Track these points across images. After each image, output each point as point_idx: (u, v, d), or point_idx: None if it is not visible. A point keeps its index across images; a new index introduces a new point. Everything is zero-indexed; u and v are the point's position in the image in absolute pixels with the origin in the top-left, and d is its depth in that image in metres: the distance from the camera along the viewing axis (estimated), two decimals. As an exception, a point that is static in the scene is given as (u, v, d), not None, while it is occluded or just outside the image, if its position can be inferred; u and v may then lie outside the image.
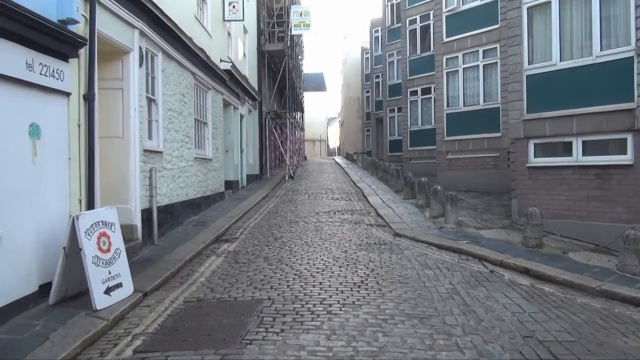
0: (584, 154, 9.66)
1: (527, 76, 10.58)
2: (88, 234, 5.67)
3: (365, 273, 7.21)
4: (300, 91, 40.87)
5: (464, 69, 16.82)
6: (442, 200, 11.50)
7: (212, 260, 8.17)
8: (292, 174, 23.93)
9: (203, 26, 13.31)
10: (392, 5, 30.49)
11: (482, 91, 16.25)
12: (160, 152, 9.75)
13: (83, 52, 6.59)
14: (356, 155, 36.25)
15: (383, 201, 14.85)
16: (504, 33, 15.44)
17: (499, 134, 15.74)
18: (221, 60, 14.99)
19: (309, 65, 69.15)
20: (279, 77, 24.84)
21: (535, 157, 10.50)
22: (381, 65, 34.81)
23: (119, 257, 6.09)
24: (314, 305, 5.83)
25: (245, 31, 20.17)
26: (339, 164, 34.86)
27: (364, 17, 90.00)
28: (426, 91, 23.48)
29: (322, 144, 72.08)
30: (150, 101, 9.53)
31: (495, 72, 15.91)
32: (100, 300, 5.63)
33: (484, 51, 16.29)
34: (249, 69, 20.47)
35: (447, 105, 17.45)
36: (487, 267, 7.89)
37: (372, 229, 10.89)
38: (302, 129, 46.19)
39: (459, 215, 11.03)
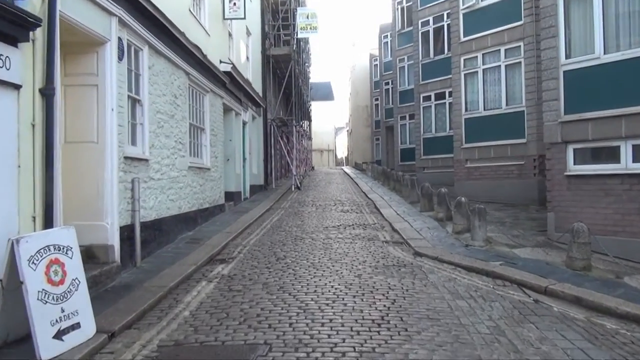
0: (635, 160, 8.32)
1: (564, 72, 9.29)
2: (33, 262, 4.43)
3: (385, 305, 5.89)
4: (308, 99, 39.78)
5: (483, 70, 15.55)
6: (466, 214, 10.18)
7: (202, 287, 6.88)
8: (299, 185, 22.68)
9: (199, 22, 12.14)
10: (402, 9, 29.33)
11: (505, 94, 14.94)
12: (146, 160, 8.52)
13: (40, 36, 5.38)
14: (365, 165, 34.97)
15: (398, 214, 13.54)
16: (528, 30, 14.23)
17: (523, 140, 14.42)
18: (221, 62, 13.81)
19: (316, 75, 68.15)
20: (285, 83, 23.66)
21: (575, 164, 9.17)
22: (391, 72, 33.64)
23: (76, 290, 4.83)
24: (324, 354, 4.52)
25: (248, 33, 19.03)
26: (347, 174, 33.59)
27: (372, 24, 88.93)
28: (440, 96, 22.23)
29: (329, 153, 70.97)
30: (135, 102, 8.32)
31: (519, 73, 14.61)
32: (48, 348, 4.37)
33: (505, 50, 15.00)
34: (252, 74, 19.30)
35: (466, 110, 16.16)
36: (529, 296, 6.57)
37: (388, 246, 9.58)
38: (310, 138, 45.06)
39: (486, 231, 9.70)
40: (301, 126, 32.35)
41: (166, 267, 7.74)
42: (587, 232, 7.57)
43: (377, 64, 41.41)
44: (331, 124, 69.20)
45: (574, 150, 9.19)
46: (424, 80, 23.09)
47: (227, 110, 15.24)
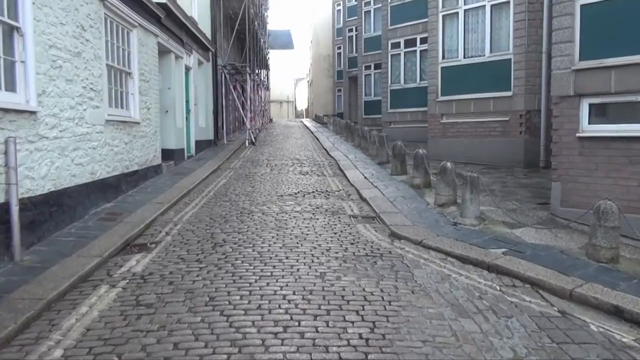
0: (671, 119, 6.57)
1: (582, 6, 7.33)
2: None
3: (361, 336, 3.96)
4: (266, 46, 36.92)
5: (465, 10, 13.46)
6: (453, 183, 8.33)
7: (98, 298, 4.80)
8: (254, 140, 20.45)
9: None
10: (369, -55, 26.71)
11: (489, 39, 12.96)
12: (32, 113, 6.20)
13: None
14: (327, 118, 32.82)
15: (365, 177, 11.63)
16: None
17: (509, 93, 12.58)
18: (153, -10, 11.27)
19: (275, 22, 64.60)
20: (237, 25, 20.97)
21: (590, 123, 7.36)
22: (355, 17, 31.15)
23: None
24: None
25: (192, -38, 16.26)
26: (307, 128, 31.46)
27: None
28: (411, 43, 20.13)
29: (289, 105, 68.42)
30: (11, 30, 5.93)
31: (507, 15, 12.61)
32: None
33: (492, -13, 12.93)
34: (198, 11, 16.63)
35: (443, 58, 14.15)
36: (551, 304, 4.83)
37: (357, 224, 7.67)
38: (268, 89, 42.39)
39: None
40: (257, 75, 29.72)
41: (58, 261, 5.61)
42: (617, 212, 5.80)
43: (340, 9, 38.63)
44: (291, 74, 66.31)
45: (590, 105, 7.35)
46: (392, 25, 20.86)
47: (164, 52, 12.76)
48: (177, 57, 13.64)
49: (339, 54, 39.54)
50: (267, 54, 39.36)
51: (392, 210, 8.40)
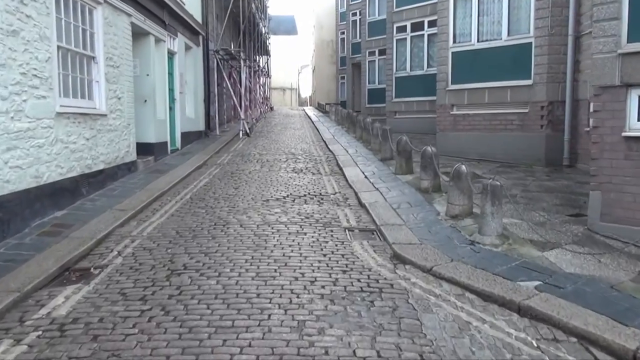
0: None
1: (633, -26, 5.92)
2: None
3: None
4: (266, 31, 35.39)
5: (479, -12, 11.98)
6: (469, 191, 6.96)
7: (-12, 365, 3.52)
8: (248, 131, 19.07)
9: None
10: None
11: (507, 21, 11.48)
12: (-64, 106, 4.88)
13: None
14: (329, 107, 31.37)
15: (366, 177, 10.27)
16: None
17: (529, 82, 11.14)
18: (125, -37, 9.87)
19: (278, 8, 62.72)
20: (231, 7, 19.48)
21: (640, 120, 5.97)
22: (360, 0, 29.58)
23: None
24: None
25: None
26: (308, 117, 30.06)
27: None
28: (418, 27, 18.64)
29: (292, 92, 66.92)
30: None
31: (526, -7, 11.14)
32: None
33: (510, -38, 11.44)
34: (185, -10, 15.19)
35: (454, 42, 12.68)
36: (611, 373, 3.49)
37: (353, 242, 6.31)
38: (269, 76, 40.93)
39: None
40: (255, 62, 28.26)
41: (-40, 300, 4.31)
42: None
43: (343, -8, 37.04)
44: (295, 61, 64.65)
45: (641, 98, 5.96)
46: (398, 7, 19.35)
47: (140, 34, 11.38)
48: (157, 40, 12.24)
49: (343, 39, 38.00)
50: (268, 40, 37.84)
51: (396, 221, 7.05)
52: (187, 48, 15.69)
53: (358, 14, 31.55)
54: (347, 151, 14.07)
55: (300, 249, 5.93)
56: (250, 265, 5.37)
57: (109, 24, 9.20)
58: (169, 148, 13.24)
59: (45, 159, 6.92)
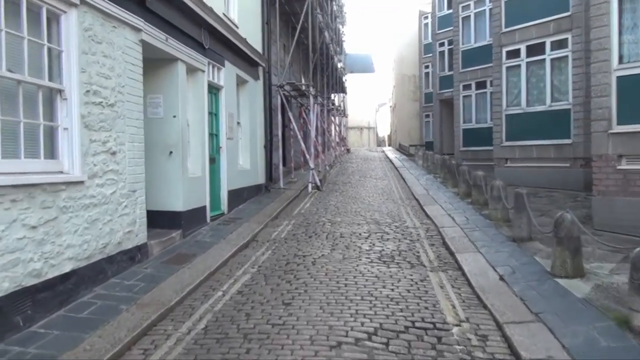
0: None
1: None
2: None
3: None
4: (341, 66, 32.24)
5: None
6: None
7: None
8: (319, 183, 15.41)
9: None
10: None
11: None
12: None
13: None
14: (414, 150, 27.27)
15: (502, 278, 6.15)
16: (576, 21, 6.36)
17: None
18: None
19: (355, 46, 59.92)
20: (298, 31, 16.12)
21: None
22: (449, 28, 25.80)
23: None
24: None
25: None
26: (390, 161, 26.12)
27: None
28: (537, 49, 14.44)
29: (370, 132, 63.49)
30: None
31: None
32: None
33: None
34: (239, 12, 11.94)
35: (620, 62, 8.43)
36: None
37: None
38: (345, 115, 37.65)
39: None
40: (329, 99, 24.90)
41: None
42: None
43: (428, 22, 33.34)
44: (372, 98, 61.41)
45: None
46: (508, 26, 15.23)
47: (163, 59, 8.09)
48: (191, 68, 8.91)
49: (427, 73, 34.08)
50: (344, 76, 34.69)
51: None
52: (241, 82, 12.37)
53: (446, 43, 27.65)
54: (452, 219, 9.97)
55: None
56: None
57: (94, 39, 5.86)
58: (209, 214, 9.72)
59: None
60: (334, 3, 25.23)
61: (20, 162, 4.88)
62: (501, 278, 6.24)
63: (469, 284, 6.18)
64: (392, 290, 5.94)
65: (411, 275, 6.57)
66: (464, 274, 6.58)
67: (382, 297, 5.71)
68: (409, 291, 5.92)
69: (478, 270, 6.63)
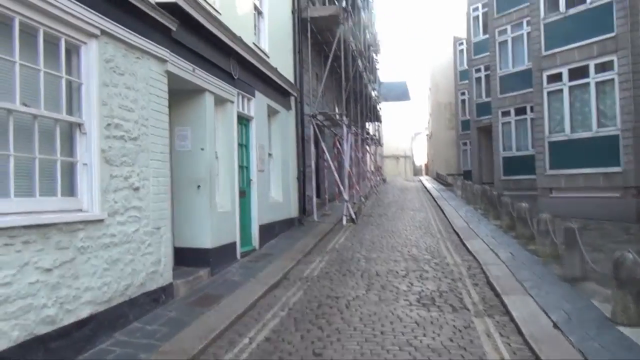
0: None
1: None
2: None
3: None
4: (376, 94, 31.96)
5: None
6: None
7: None
8: (354, 215, 14.93)
9: None
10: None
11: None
12: None
13: None
14: (452, 179, 26.52)
15: (557, 326, 5.51)
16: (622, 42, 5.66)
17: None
18: (157, -16, 6.45)
19: (389, 75, 59.65)
20: (330, 60, 15.89)
21: None
22: (485, 54, 25.33)
23: None
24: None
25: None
26: (428, 191, 25.45)
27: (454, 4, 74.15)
28: (580, 73, 13.82)
29: (406, 161, 62.74)
30: None
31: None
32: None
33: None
34: (269, 40, 11.79)
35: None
36: None
37: None
38: (380, 144, 37.23)
39: None
40: (362, 128, 24.55)
41: None
42: None
43: (463, 48, 32.85)
44: (408, 127, 60.88)
45: None
46: (549, 49, 14.65)
47: (189, 90, 7.87)
48: (219, 100, 8.68)
49: (464, 100, 33.46)
50: (378, 104, 34.38)
51: None
52: (272, 112, 12.14)
53: (483, 69, 27.09)
54: (496, 255, 9.33)
55: None
56: None
57: (116, 70, 5.65)
58: (239, 250, 9.35)
59: None
60: (367, 31, 25.10)
61: (35, 201, 4.62)
62: (555, 325, 5.60)
63: (519, 332, 5.56)
64: (433, 339, 5.38)
65: (454, 320, 5.99)
66: (512, 320, 5.96)
67: (422, 347, 5.16)
68: (452, 340, 5.35)
69: (528, 315, 6.00)
